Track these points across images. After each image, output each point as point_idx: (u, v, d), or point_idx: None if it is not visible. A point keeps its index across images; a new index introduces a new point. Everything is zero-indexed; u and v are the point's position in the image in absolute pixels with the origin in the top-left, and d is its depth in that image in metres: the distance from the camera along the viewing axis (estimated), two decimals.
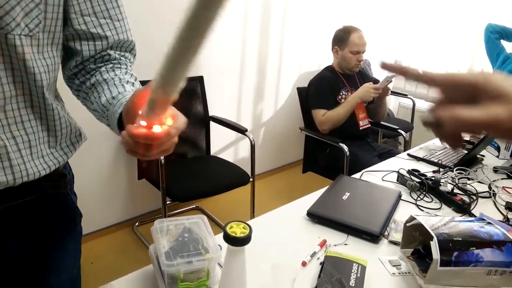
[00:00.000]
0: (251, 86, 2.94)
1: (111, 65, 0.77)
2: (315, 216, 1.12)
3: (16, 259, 0.74)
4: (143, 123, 0.52)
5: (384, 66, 0.49)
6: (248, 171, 2.24)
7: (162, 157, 1.92)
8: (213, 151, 2.67)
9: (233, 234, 0.71)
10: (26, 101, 0.67)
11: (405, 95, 3.55)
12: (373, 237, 1.04)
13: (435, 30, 3.65)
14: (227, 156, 2.90)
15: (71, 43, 0.74)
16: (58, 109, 0.74)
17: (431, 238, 0.83)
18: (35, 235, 0.75)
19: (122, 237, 2.36)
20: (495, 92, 0.42)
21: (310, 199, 1.21)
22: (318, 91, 2.39)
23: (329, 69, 2.51)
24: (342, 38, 2.42)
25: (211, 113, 2.54)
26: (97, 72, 0.76)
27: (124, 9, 0.78)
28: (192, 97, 2.45)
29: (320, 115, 2.34)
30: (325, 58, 3.34)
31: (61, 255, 0.80)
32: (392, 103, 4.03)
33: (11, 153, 0.66)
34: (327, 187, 1.30)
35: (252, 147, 2.35)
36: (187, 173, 2.18)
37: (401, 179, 1.41)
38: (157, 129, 0.54)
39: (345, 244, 1.02)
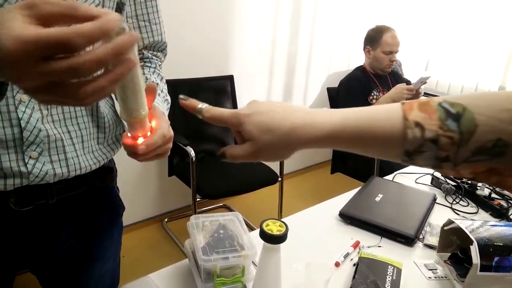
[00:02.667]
0: (280, 86, 2.94)
1: (142, 63, 0.82)
2: (348, 217, 1.11)
3: (67, 247, 0.78)
4: (129, 134, 0.59)
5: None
6: (277, 170, 2.24)
7: (193, 155, 1.95)
8: None
9: (270, 232, 0.72)
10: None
11: (437, 96, 3.45)
12: (408, 240, 1.02)
13: (469, 30, 3.54)
14: None
15: None
16: (107, 107, 0.77)
17: (471, 242, 0.81)
18: (84, 225, 0.79)
19: (152, 232, 2.41)
20: (246, 136, 0.52)
21: (341, 200, 1.20)
22: (349, 92, 2.37)
23: (360, 69, 2.48)
24: (374, 38, 2.39)
25: None
26: None
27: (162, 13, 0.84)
28: (222, 95, 2.47)
29: None
30: (355, 58, 3.31)
31: (107, 245, 0.84)
32: None
33: (66, 147, 0.69)
34: (357, 188, 1.29)
35: None
36: (216, 172, 2.21)
37: (435, 182, 1.38)
38: (140, 140, 0.59)
39: (379, 246, 1.01)
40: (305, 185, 3.14)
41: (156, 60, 0.85)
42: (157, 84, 0.78)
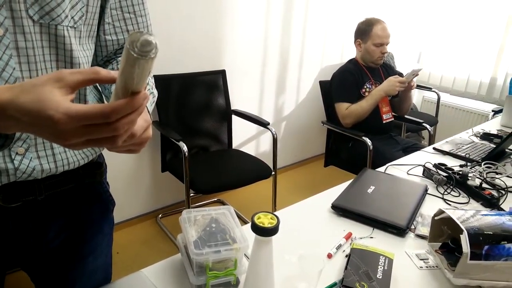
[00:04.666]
0: (273, 80, 2.93)
1: None
2: (340, 209, 1.12)
3: (57, 243, 0.77)
4: None
5: None
6: (270, 164, 2.25)
7: (185, 150, 1.94)
8: (235, 144, 2.69)
9: (261, 225, 0.72)
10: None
11: (429, 89, 3.47)
12: (400, 231, 1.03)
13: (460, 19, 3.55)
14: (249, 149, 2.91)
15: (101, 36, 0.78)
16: (95, 100, 0.76)
17: (461, 231, 0.81)
18: (73, 221, 0.79)
19: (146, 228, 2.40)
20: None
21: (334, 192, 1.21)
22: (342, 84, 2.37)
23: (352, 62, 2.48)
24: (364, 31, 2.39)
25: (233, 106, 2.55)
26: (114, 61, 0.81)
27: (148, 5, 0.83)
28: (214, 90, 2.46)
29: (343, 108, 2.32)
30: (347, 51, 3.31)
31: (98, 240, 0.83)
32: (415, 96, 3.96)
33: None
34: (350, 180, 1.29)
35: (274, 141, 2.35)
36: (210, 166, 2.20)
37: (427, 173, 1.39)
38: None
39: (371, 237, 1.02)
40: (299, 179, 3.15)
41: None
42: None
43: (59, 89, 0.47)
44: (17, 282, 1.13)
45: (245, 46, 2.65)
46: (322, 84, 2.59)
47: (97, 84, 0.83)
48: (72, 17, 0.66)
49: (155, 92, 0.82)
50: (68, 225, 0.78)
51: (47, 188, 0.71)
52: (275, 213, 0.76)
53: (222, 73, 2.49)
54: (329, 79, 2.51)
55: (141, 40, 0.45)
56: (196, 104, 2.37)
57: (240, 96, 2.71)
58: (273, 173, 2.24)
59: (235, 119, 2.54)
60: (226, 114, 2.50)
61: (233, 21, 2.52)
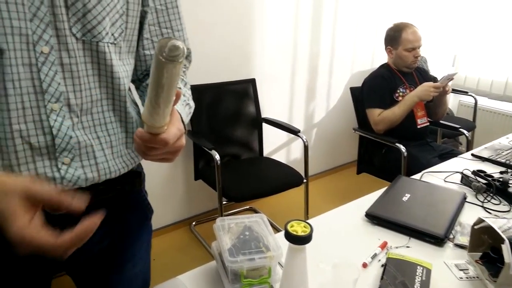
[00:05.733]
0: (303, 87, 2.93)
1: None
2: (374, 217, 1.10)
3: (99, 249, 0.81)
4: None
5: None
6: (301, 172, 2.24)
7: (218, 159, 1.97)
8: (266, 152, 2.70)
9: (295, 233, 0.72)
10: (109, 104, 0.74)
11: (465, 92, 3.37)
12: (438, 240, 1.00)
13: (497, 19, 3.43)
14: (280, 157, 2.91)
15: (140, 51, 0.81)
16: (135, 112, 0.80)
17: (502, 241, 0.79)
18: (114, 228, 0.82)
19: (180, 235, 2.45)
20: None
21: (367, 200, 1.19)
22: (373, 90, 2.34)
23: (384, 66, 2.45)
24: (394, 37, 2.35)
25: (264, 114, 2.57)
26: None
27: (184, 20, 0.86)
28: (245, 99, 2.49)
29: (375, 114, 2.28)
30: (378, 56, 3.26)
31: (137, 247, 0.86)
32: (451, 100, 3.84)
33: (96, 152, 0.72)
34: (384, 188, 1.27)
35: (306, 148, 2.35)
36: (242, 174, 2.22)
37: (465, 181, 1.35)
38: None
39: (407, 247, 1.00)
40: (331, 186, 3.12)
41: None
42: (180, 88, 0.80)
43: (23, 207, 0.53)
44: (62, 286, 1.18)
45: (274, 54, 2.67)
46: (353, 90, 2.56)
47: (135, 97, 0.86)
48: (112, 34, 0.70)
49: (192, 103, 0.84)
50: (110, 232, 0.81)
51: (92, 197, 0.75)
52: (308, 221, 0.76)
53: (252, 81, 2.52)
54: (360, 85, 2.49)
55: (169, 45, 0.47)
56: (227, 113, 2.41)
57: (270, 104, 2.73)
58: (304, 180, 2.23)
59: (265, 127, 2.55)
60: (256, 122, 2.52)
61: (262, 29, 2.54)
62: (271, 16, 2.55)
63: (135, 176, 0.83)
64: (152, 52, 0.82)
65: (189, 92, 0.86)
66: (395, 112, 2.23)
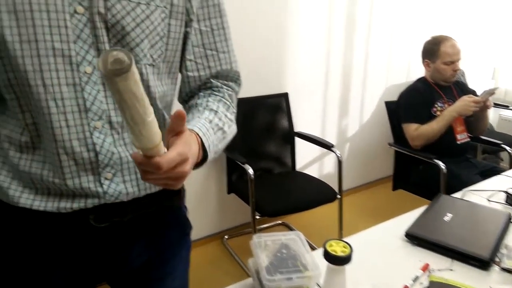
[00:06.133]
0: (336, 101, 2.91)
1: (209, 91, 0.83)
2: (415, 238, 1.06)
3: (139, 263, 0.82)
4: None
5: None
6: (334, 187, 2.21)
7: (251, 173, 1.98)
8: (298, 166, 2.68)
9: (334, 253, 0.71)
10: None
11: (506, 107, 3.23)
12: (483, 263, 0.95)
13: None
14: (312, 171, 2.88)
15: (183, 72, 0.82)
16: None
17: None
18: (154, 243, 0.83)
19: (213, 249, 2.46)
20: None
21: (407, 219, 1.15)
22: (410, 104, 2.29)
23: (421, 80, 2.39)
24: (432, 50, 2.30)
25: (296, 128, 2.57)
26: (196, 96, 0.83)
27: (232, 42, 0.84)
28: (278, 113, 2.50)
29: (412, 129, 2.23)
30: (413, 69, 3.20)
31: (176, 262, 0.87)
32: (491, 115, 3.70)
33: (136, 167, 0.74)
34: (423, 207, 1.23)
35: (339, 163, 2.32)
36: (275, 189, 2.22)
37: (510, 200, 1.28)
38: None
39: (450, 270, 0.96)
40: (365, 202, 3.05)
41: (226, 89, 0.85)
42: (216, 111, 0.78)
43: None
44: None
45: (307, 68, 2.67)
46: (388, 104, 2.52)
47: None
48: (151, 56, 0.72)
49: (229, 129, 0.80)
50: (149, 246, 0.83)
51: (132, 211, 0.77)
52: (346, 240, 0.75)
53: (285, 96, 2.52)
54: (395, 99, 2.44)
55: (113, 58, 0.43)
56: (260, 127, 2.42)
57: (303, 118, 2.72)
58: (338, 196, 2.19)
59: (298, 141, 2.54)
60: (289, 136, 2.52)
61: (295, 43, 2.56)
62: (304, 30, 2.56)
63: (175, 192, 0.84)
64: (195, 73, 0.81)
65: (231, 116, 0.83)
66: (433, 128, 2.17)
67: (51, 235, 0.74)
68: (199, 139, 0.67)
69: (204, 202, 2.46)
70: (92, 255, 0.77)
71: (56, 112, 0.66)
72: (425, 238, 1.05)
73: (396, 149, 2.43)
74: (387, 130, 2.55)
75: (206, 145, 0.69)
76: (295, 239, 0.91)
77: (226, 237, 2.54)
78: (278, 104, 2.51)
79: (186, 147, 0.57)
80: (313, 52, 2.66)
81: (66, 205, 0.71)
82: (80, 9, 0.64)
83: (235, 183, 2.34)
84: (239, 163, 2.08)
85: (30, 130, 0.69)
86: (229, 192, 2.38)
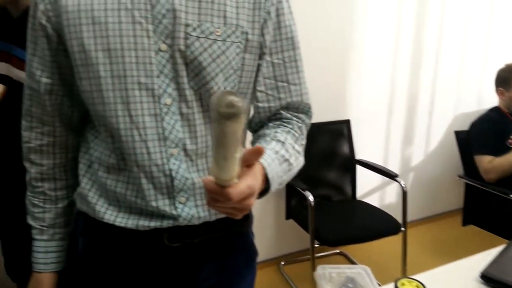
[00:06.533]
0: (400, 129, 2.81)
1: (279, 122, 0.84)
2: (492, 280, 0.98)
3: (206, 286, 0.84)
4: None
5: None
6: (397, 218, 2.11)
7: (311, 200, 1.95)
8: (358, 195, 2.61)
9: None
10: None
11: None
12: None
13: None
14: (373, 201, 2.78)
15: (254, 103, 0.84)
16: None
17: None
18: (222, 267, 0.85)
19: (269, 275, 2.43)
20: None
21: (481, 259, 1.07)
22: (483, 135, 2.16)
23: (495, 110, 2.26)
24: (507, 79, 2.17)
25: (358, 156, 2.51)
26: (266, 126, 0.85)
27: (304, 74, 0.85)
28: (339, 140, 2.47)
29: (485, 162, 2.09)
30: (485, 98, 3.02)
31: (242, 287, 0.88)
32: None
33: None
34: (500, 246, 1.13)
35: (404, 194, 2.22)
36: (335, 217, 2.17)
37: None
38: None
39: None
40: (431, 236, 2.87)
41: (296, 121, 0.85)
42: (283, 143, 0.78)
43: None
44: None
45: (371, 95, 2.62)
46: (458, 134, 2.39)
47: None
48: (225, 88, 0.75)
49: (295, 161, 0.81)
50: (217, 270, 0.84)
51: (202, 233, 0.79)
52: (418, 279, 0.71)
53: (347, 122, 2.49)
54: (465, 128, 2.32)
55: (226, 101, 0.45)
56: (321, 153, 2.40)
57: (365, 146, 2.66)
58: (402, 229, 2.09)
59: (359, 168, 2.48)
60: (350, 163, 2.47)
61: (359, 69, 2.53)
62: (367, 56, 2.54)
63: (244, 218, 0.85)
64: (266, 104, 0.83)
65: (299, 148, 0.83)
66: (510, 160, 2.02)
67: (129, 250, 0.79)
68: (264, 170, 0.68)
69: (262, 226, 2.46)
70: (163, 274, 0.80)
71: (139, 140, 0.71)
72: (504, 281, 0.96)
73: (467, 181, 2.28)
74: (456, 160, 2.41)
75: (270, 176, 0.70)
76: (362, 274, 0.88)
77: (282, 263, 2.51)
78: (339, 131, 2.48)
79: (254, 180, 0.59)
80: (376, 78, 2.62)
81: (144, 223, 0.75)
82: (163, 46, 0.70)
83: (294, 209, 2.33)
84: (299, 189, 2.07)
85: (116, 154, 0.75)
86: (287, 218, 2.37)
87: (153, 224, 0.75)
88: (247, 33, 0.75)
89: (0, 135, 1.26)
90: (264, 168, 0.68)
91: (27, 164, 0.83)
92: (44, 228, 0.85)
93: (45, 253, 0.85)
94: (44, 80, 0.75)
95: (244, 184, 0.57)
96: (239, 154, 0.54)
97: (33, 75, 0.75)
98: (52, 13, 0.70)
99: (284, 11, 0.80)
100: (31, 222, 0.85)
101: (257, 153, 0.58)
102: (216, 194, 0.56)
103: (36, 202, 0.84)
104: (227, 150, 0.51)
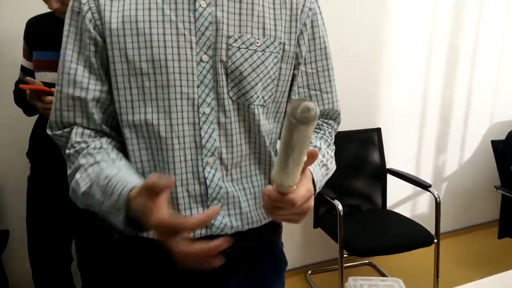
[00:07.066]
0: (432, 137, 2.74)
1: None
2: None
3: None
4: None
5: None
6: (430, 230, 2.05)
7: (340, 209, 1.93)
8: (388, 204, 2.55)
9: None
10: (256, 158, 0.80)
11: None
12: None
13: None
14: (404, 211, 2.71)
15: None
16: None
17: None
18: (251, 276, 0.85)
19: (296, 283, 2.41)
20: None
21: None
22: None
23: None
24: None
25: (388, 165, 2.46)
26: None
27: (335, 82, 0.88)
28: (369, 148, 2.43)
29: None
30: None
31: None
32: None
33: (241, 202, 0.78)
34: None
35: (437, 205, 2.15)
36: (364, 227, 2.13)
37: None
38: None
39: None
40: (464, 248, 2.77)
41: (327, 127, 0.88)
42: (320, 148, 0.81)
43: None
44: None
45: (402, 103, 2.57)
46: (495, 143, 2.31)
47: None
48: (263, 97, 0.77)
49: (331, 165, 0.84)
50: (247, 280, 0.84)
51: (234, 243, 0.80)
52: None
53: (378, 131, 2.45)
54: (502, 137, 2.23)
55: (302, 107, 0.47)
56: (350, 162, 2.37)
57: (396, 154, 2.60)
58: (435, 240, 2.03)
59: (389, 178, 2.43)
60: (381, 173, 2.42)
61: (391, 76, 2.49)
62: (400, 63, 2.49)
63: (274, 228, 0.86)
64: None
65: (331, 153, 0.86)
66: None
67: (159, 261, 0.80)
68: (311, 174, 0.70)
69: (289, 234, 2.44)
70: (193, 284, 0.81)
71: (178, 148, 0.73)
72: None
73: (504, 192, 2.19)
74: (492, 171, 2.33)
75: (315, 179, 0.73)
76: (394, 286, 0.86)
77: (309, 272, 2.49)
78: (370, 139, 2.44)
79: (310, 183, 0.62)
80: (409, 86, 2.57)
81: None
82: (205, 57, 0.72)
83: (322, 217, 2.30)
84: (328, 198, 2.05)
85: (150, 164, 0.75)
86: (315, 227, 2.34)
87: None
88: (284, 43, 0.77)
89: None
90: (311, 172, 0.70)
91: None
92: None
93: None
94: (92, 87, 0.73)
95: (303, 188, 0.59)
96: (305, 159, 0.56)
97: (80, 83, 0.72)
98: (99, 21, 0.70)
99: (318, 23, 0.83)
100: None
101: (313, 156, 0.59)
102: (280, 202, 0.58)
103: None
104: (298, 154, 0.53)
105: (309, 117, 0.48)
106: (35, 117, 1.52)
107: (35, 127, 1.52)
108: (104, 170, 0.68)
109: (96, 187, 0.66)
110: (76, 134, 0.73)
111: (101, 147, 0.72)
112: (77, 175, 0.70)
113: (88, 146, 0.72)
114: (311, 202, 0.62)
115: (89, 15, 0.70)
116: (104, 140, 0.74)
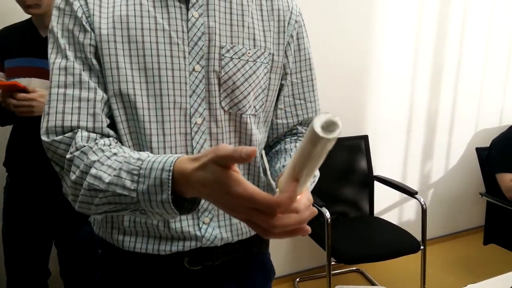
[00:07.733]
0: (419, 145, 2.78)
1: (295, 137, 0.88)
2: None
3: None
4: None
5: None
6: (415, 236, 2.07)
7: (328, 217, 1.94)
8: (375, 211, 2.57)
9: None
10: (245, 169, 0.80)
11: None
12: None
13: None
14: (391, 218, 2.73)
15: (273, 120, 0.86)
16: (265, 178, 0.85)
17: None
18: (240, 286, 0.84)
19: None
20: None
21: (504, 280, 1.04)
22: (504, 153, 2.12)
23: None
24: None
25: (376, 172, 2.48)
26: (282, 141, 0.87)
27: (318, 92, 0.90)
28: (356, 155, 2.44)
29: (507, 180, 2.04)
30: (507, 114, 2.97)
31: None
32: None
33: None
34: None
35: (423, 212, 2.17)
36: (351, 234, 2.14)
37: None
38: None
39: None
40: (450, 254, 2.80)
41: None
42: None
43: (226, 169, 0.50)
44: None
45: (389, 111, 2.60)
46: (479, 150, 2.34)
47: (266, 163, 0.91)
48: (254, 106, 0.77)
49: (316, 172, 0.83)
50: None
51: (223, 255, 0.79)
52: None
53: (365, 138, 2.47)
54: (486, 145, 2.27)
55: (327, 120, 0.48)
56: (337, 169, 2.38)
57: (383, 161, 2.63)
58: (422, 247, 2.04)
59: (377, 185, 2.45)
60: (368, 180, 2.44)
61: (377, 85, 2.52)
62: (386, 71, 2.53)
63: (263, 238, 0.85)
64: (284, 121, 0.86)
65: None
66: None
67: (147, 275, 0.79)
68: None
69: (278, 242, 2.44)
70: None
71: None
72: None
73: (489, 199, 2.23)
74: (477, 178, 2.37)
75: (308, 188, 0.71)
76: None
77: (297, 279, 2.48)
78: (357, 146, 2.46)
79: (308, 192, 0.61)
80: (395, 93, 2.60)
81: (165, 247, 0.75)
82: (197, 67, 0.72)
83: (310, 225, 2.28)
84: (316, 205, 2.05)
85: None
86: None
87: (175, 247, 0.74)
88: (273, 54, 0.79)
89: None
90: None
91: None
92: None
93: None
94: (99, 87, 0.68)
95: (305, 197, 0.57)
96: (317, 170, 0.56)
97: (87, 84, 0.67)
98: (91, 26, 0.68)
99: (303, 35, 0.85)
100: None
101: None
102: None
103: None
104: (313, 166, 0.52)
105: (334, 131, 0.48)
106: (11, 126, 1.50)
107: (12, 136, 1.49)
108: (132, 155, 0.61)
109: (125, 173, 0.58)
110: (82, 138, 0.65)
111: (110, 144, 0.66)
112: (93, 171, 0.61)
113: (97, 144, 0.65)
114: (315, 209, 0.60)
115: (84, 19, 0.68)
116: (111, 139, 0.68)
